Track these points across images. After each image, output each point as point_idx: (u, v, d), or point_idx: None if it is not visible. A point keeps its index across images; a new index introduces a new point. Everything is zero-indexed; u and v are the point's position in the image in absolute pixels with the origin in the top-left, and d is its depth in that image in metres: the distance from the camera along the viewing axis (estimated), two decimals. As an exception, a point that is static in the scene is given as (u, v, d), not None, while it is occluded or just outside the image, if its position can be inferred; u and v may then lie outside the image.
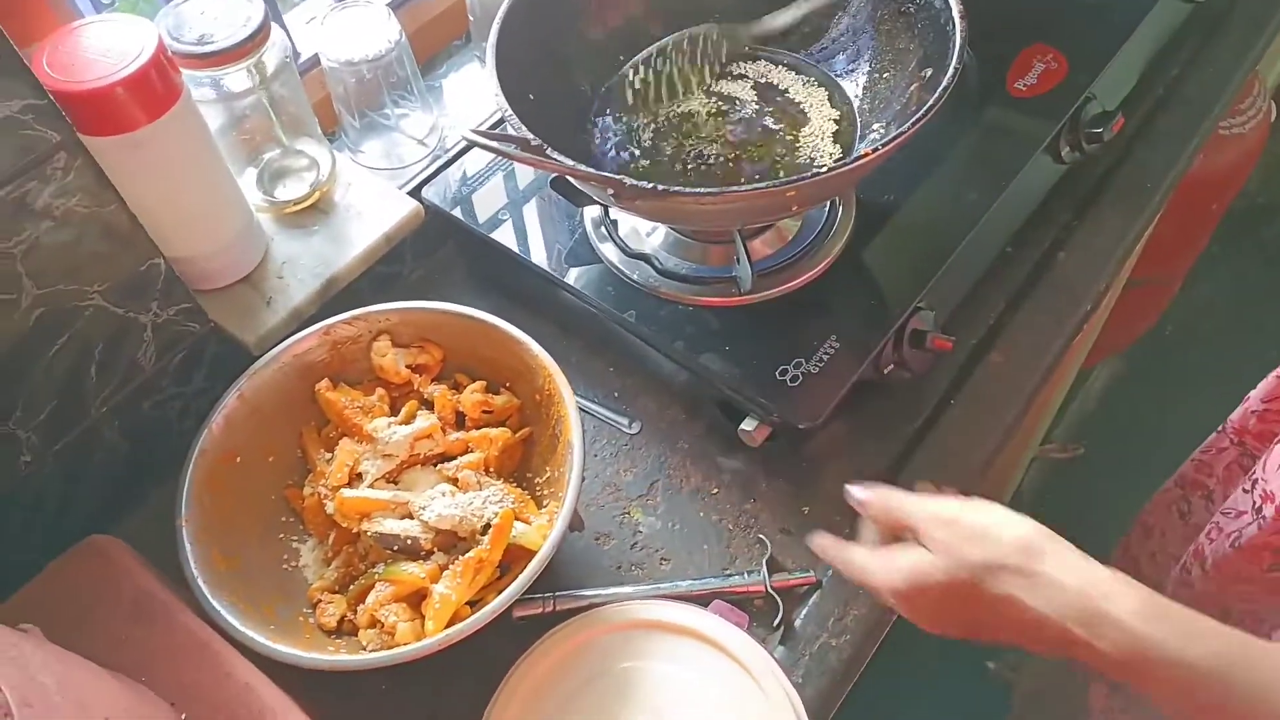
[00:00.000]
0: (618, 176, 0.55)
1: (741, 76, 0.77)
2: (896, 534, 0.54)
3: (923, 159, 0.78)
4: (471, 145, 0.57)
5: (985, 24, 0.85)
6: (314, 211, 0.78)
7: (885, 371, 0.71)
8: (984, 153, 0.80)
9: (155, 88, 0.60)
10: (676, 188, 0.55)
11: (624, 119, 0.76)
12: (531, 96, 0.69)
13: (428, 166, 0.85)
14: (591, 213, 0.76)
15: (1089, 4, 0.87)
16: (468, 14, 0.88)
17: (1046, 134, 0.79)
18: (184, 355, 0.71)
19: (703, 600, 0.66)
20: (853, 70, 0.74)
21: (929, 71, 0.64)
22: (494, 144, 0.54)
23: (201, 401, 0.74)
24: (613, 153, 0.74)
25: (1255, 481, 0.76)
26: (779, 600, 0.66)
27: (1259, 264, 1.84)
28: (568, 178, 0.59)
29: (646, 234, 0.75)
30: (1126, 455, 1.49)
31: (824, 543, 0.57)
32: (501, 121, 0.64)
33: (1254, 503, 0.75)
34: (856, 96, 0.73)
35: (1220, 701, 0.42)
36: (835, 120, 0.73)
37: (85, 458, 0.69)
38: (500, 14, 0.67)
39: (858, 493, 0.56)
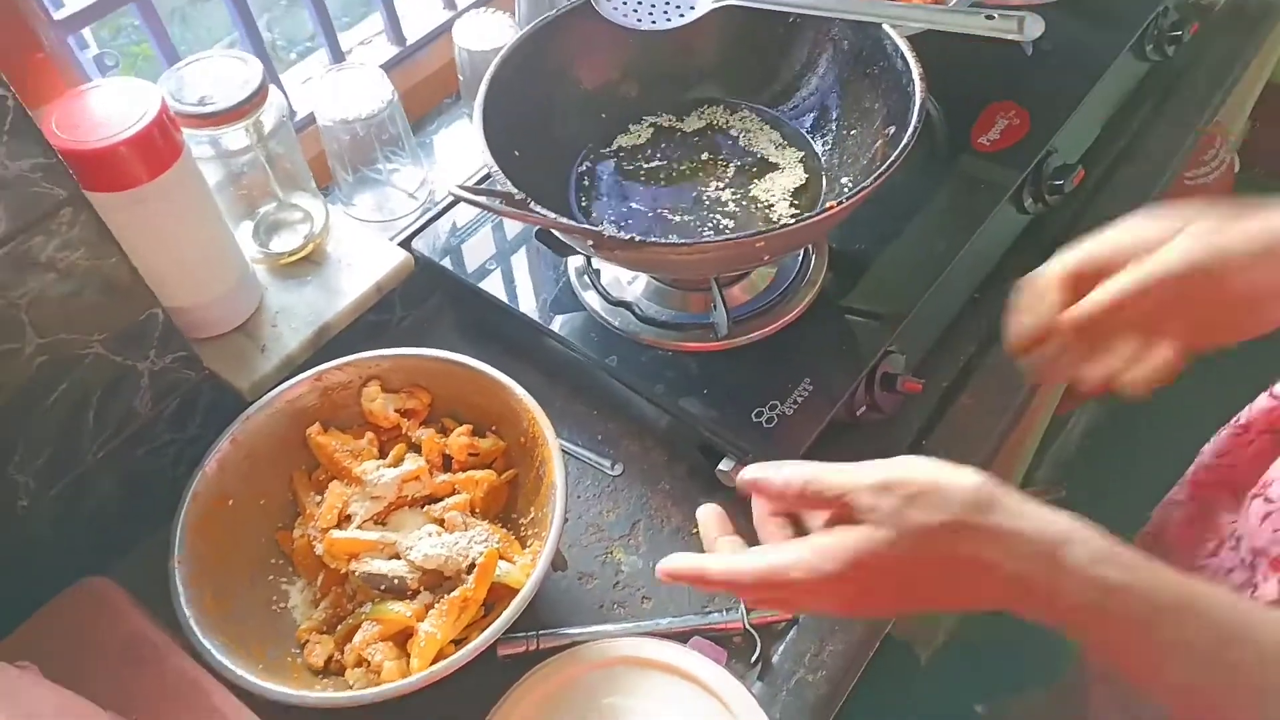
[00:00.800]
0: (597, 228, 0.58)
1: (719, 130, 0.81)
2: (796, 520, 0.48)
3: (893, 210, 0.81)
4: (459, 200, 0.60)
5: (950, 82, 0.89)
6: (307, 263, 0.81)
7: (858, 413, 0.74)
8: (951, 204, 0.83)
9: (157, 146, 0.63)
10: (653, 239, 0.58)
11: (607, 173, 0.79)
12: (517, 153, 0.72)
13: (418, 219, 0.88)
14: (575, 262, 0.79)
15: (1049, 63, 0.91)
16: (458, 74, 0.92)
17: (1010, 186, 0.83)
18: (180, 402, 0.74)
19: (683, 637, 0.67)
20: (822, 126, 0.78)
21: (892, 129, 0.68)
22: (479, 199, 0.57)
23: (196, 448, 0.76)
24: (597, 203, 0.77)
25: (1239, 539, 0.74)
26: (757, 636, 0.67)
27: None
28: (551, 229, 0.62)
29: (628, 282, 0.78)
30: (1103, 500, 1.51)
31: (690, 564, 0.47)
32: (488, 177, 0.67)
33: (1243, 559, 0.74)
34: (825, 151, 0.77)
35: (1183, 638, 0.40)
36: (804, 173, 0.77)
37: (81, 502, 0.71)
38: (487, 76, 0.71)
39: (753, 471, 0.48)
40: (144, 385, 0.70)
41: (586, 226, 0.58)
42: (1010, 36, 0.66)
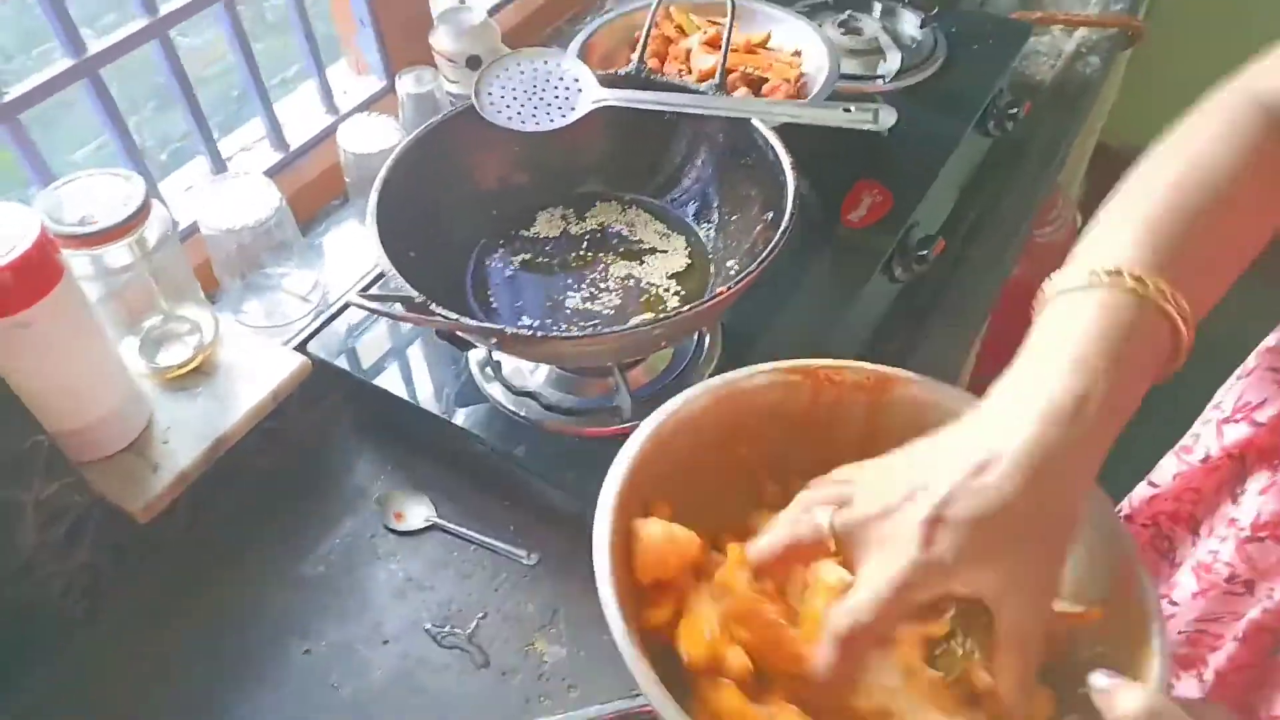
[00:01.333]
0: (498, 327, 0.60)
1: (608, 222, 0.84)
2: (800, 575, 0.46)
3: (777, 284, 0.86)
4: (359, 308, 0.60)
5: (820, 164, 0.96)
6: (198, 374, 0.79)
7: (762, 484, 0.76)
8: (829, 277, 0.89)
9: (37, 271, 0.62)
10: (553, 334, 0.60)
11: (501, 266, 0.81)
12: (412, 253, 0.73)
13: (312, 321, 0.87)
14: (476, 355, 0.80)
15: (907, 144, 0.99)
16: (344, 176, 0.93)
17: (879, 258, 0.89)
18: (67, 529, 0.70)
19: (611, 724, 0.67)
20: (705, 214, 0.82)
21: (770, 215, 0.73)
22: (379, 308, 0.58)
23: (85, 575, 0.73)
24: (494, 297, 0.78)
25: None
26: (684, 715, 0.68)
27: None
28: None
29: (530, 372, 0.79)
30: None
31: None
32: (382, 277, 0.68)
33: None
34: (710, 238, 0.81)
35: None
36: (690, 259, 0.80)
37: (-42, 648, 0.66)
38: (379, 180, 0.72)
39: (765, 544, 0.46)
40: (28, 517, 0.67)
41: (488, 325, 0.60)
42: (867, 127, 0.72)
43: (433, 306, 0.62)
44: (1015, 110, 1.08)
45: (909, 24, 1.09)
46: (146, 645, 0.73)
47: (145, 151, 1.05)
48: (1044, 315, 0.45)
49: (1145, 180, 0.49)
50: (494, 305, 0.78)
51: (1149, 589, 0.45)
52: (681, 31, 1.00)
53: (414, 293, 0.62)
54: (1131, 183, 0.50)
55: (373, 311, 0.58)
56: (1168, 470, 0.74)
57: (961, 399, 0.53)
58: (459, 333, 0.65)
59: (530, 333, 0.60)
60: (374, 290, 0.87)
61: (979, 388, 0.46)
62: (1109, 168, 0.53)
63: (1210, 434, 0.70)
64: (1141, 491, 0.76)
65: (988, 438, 0.41)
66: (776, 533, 0.47)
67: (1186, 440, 0.73)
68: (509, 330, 0.60)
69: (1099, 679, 0.40)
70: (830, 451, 0.51)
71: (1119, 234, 0.46)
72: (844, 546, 0.44)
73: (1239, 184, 0.48)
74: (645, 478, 0.52)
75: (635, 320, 0.61)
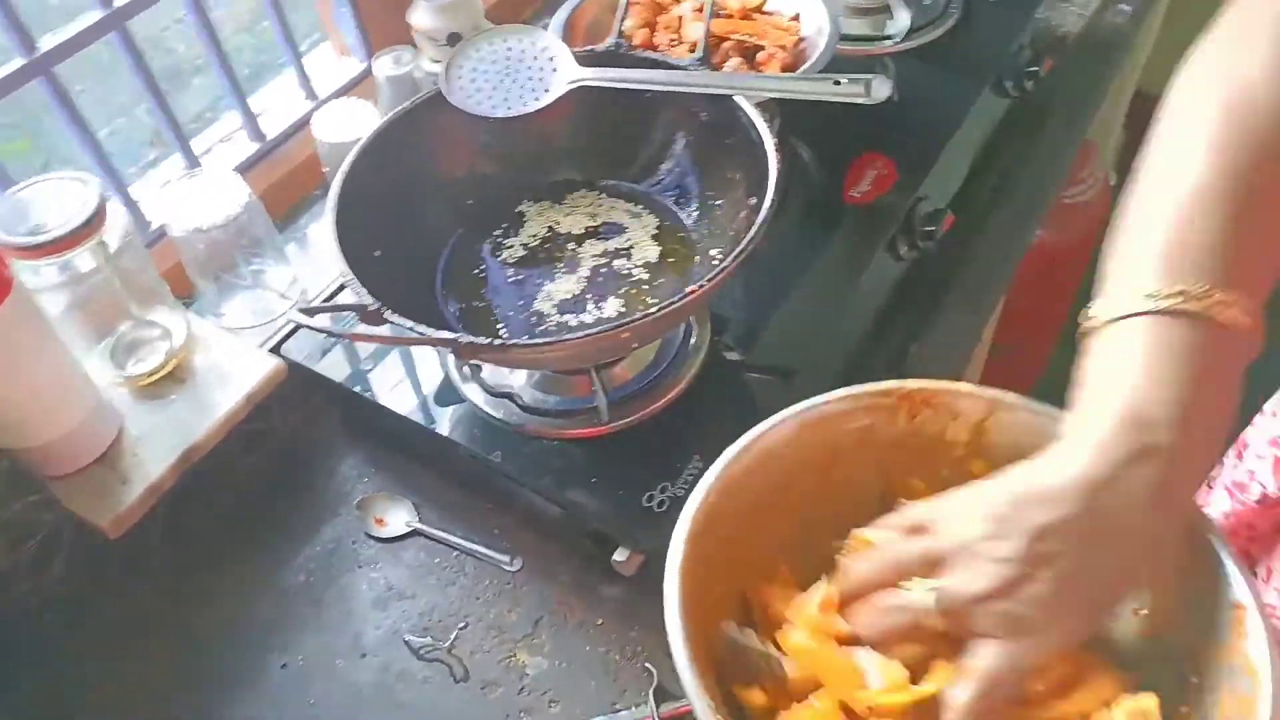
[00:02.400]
0: (453, 335, 0.56)
1: (588, 209, 0.80)
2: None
3: (775, 267, 0.81)
4: (305, 326, 0.57)
5: (819, 137, 0.91)
6: (171, 381, 0.77)
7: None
8: (831, 257, 0.84)
9: (-19, 286, 0.60)
10: (513, 341, 0.56)
11: (478, 263, 0.77)
12: (378, 253, 0.70)
13: (289, 321, 0.85)
14: (452, 355, 0.77)
15: (913, 111, 0.93)
16: (321, 166, 0.90)
17: (883, 237, 0.83)
18: (38, 546, 0.69)
19: (592, 742, 0.65)
20: (687, 199, 0.77)
21: (754, 200, 0.68)
22: (322, 325, 0.55)
23: (61, 591, 0.72)
24: (470, 292, 0.75)
25: None
26: (668, 732, 0.65)
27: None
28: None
29: (509, 372, 0.76)
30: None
31: None
32: (344, 288, 0.64)
33: None
34: (693, 224, 0.77)
35: None
36: (670, 249, 0.76)
37: (-70, 670, 0.65)
38: (338, 179, 0.69)
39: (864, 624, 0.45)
40: (-7, 536, 0.65)
41: (444, 335, 0.56)
42: (859, 100, 0.67)
43: (386, 314, 0.58)
44: (1035, 68, 1.00)
45: (921, -22, 1.02)
46: (125, 661, 0.72)
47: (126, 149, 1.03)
48: (1096, 350, 0.43)
49: (1178, 146, 0.44)
50: (468, 304, 0.74)
51: (1261, 638, 0.41)
52: (673, -2, 0.95)
53: (368, 299, 0.59)
54: (1164, 149, 0.44)
55: (315, 329, 0.55)
56: (1219, 507, 0.69)
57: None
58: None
59: (488, 341, 0.57)
60: (342, 297, 0.83)
61: (992, 371, 0.43)
62: (1150, 116, 0.47)
63: (1267, 471, 0.65)
64: None
65: (1100, 500, 0.40)
66: (874, 615, 0.46)
67: (1241, 477, 0.68)
68: (464, 339, 0.56)
69: None
70: (930, 475, 0.50)
71: (1157, 237, 0.42)
72: (950, 624, 0.43)
73: None
74: (720, 514, 0.49)
75: (601, 325, 0.57)
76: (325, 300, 0.85)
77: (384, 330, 0.56)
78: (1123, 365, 0.41)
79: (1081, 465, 0.41)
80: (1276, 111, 0.42)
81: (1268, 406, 0.70)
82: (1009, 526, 0.41)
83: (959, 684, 0.42)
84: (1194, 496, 0.42)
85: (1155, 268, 0.41)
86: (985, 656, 0.42)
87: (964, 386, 0.51)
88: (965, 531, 0.43)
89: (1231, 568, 0.43)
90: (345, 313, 0.59)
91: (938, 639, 0.44)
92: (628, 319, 0.57)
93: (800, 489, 0.52)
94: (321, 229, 0.94)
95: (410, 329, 0.58)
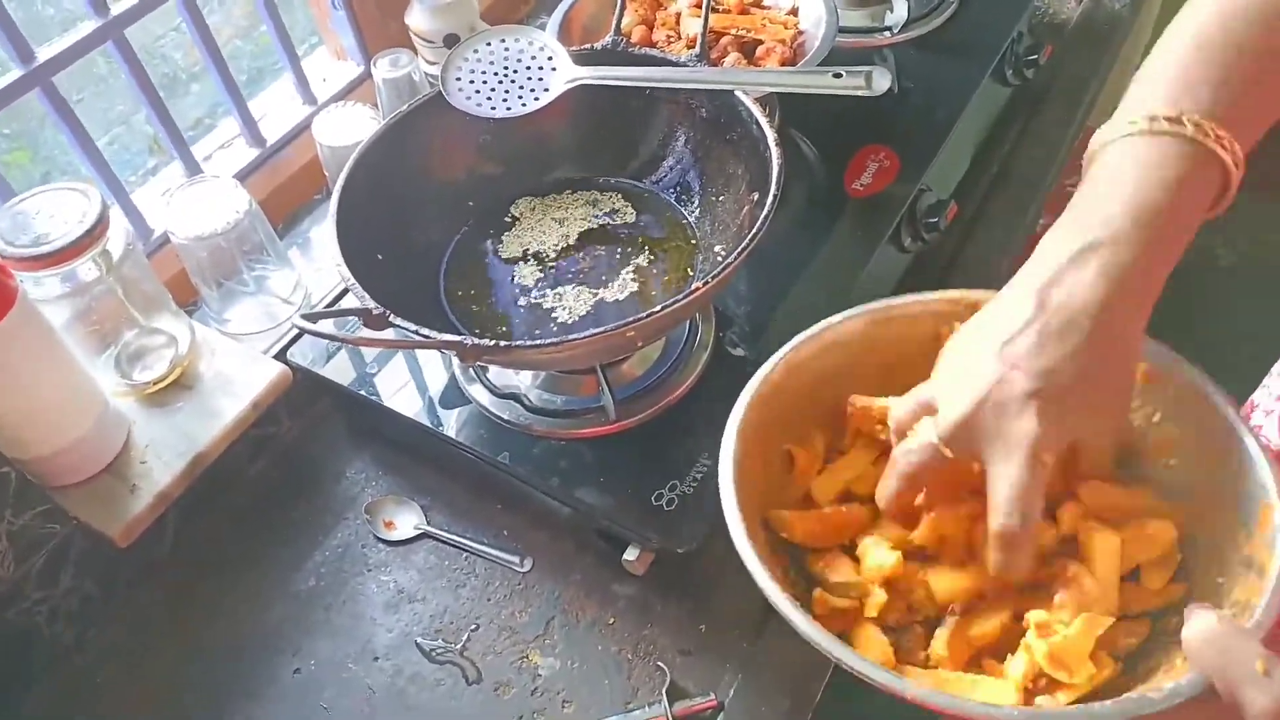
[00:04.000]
0: (458, 338, 0.56)
1: (583, 207, 0.79)
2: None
3: (779, 261, 0.81)
4: (308, 333, 0.57)
5: (820, 130, 0.90)
6: (177, 388, 0.77)
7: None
8: (834, 250, 0.83)
9: (-14, 298, 0.59)
10: (518, 343, 0.56)
11: (481, 264, 0.77)
12: (380, 256, 0.70)
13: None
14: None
15: (914, 101, 0.92)
16: (323, 169, 0.90)
17: (887, 229, 0.83)
18: (47, 558, 0.69)
19: (606, 741, 0.65)
20: (690, 195, 0.77)
21: (756, 195, 0.67)
22: (326, 331, 0.54)
23: (71, 600, 0.72)
24: (474, 292, 0.75)
25: None
26: (682, 730, 0.65)
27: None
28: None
29: (515, 373, 0.76)
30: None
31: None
32: (347, 292, 0.64)
33: None
34: (696, 220, 0.76)
35: None
36: (673, 245, 0.76)
37: (-56, 682, 0.65)
38: (339, 182, 0.68)
39: (890, 486, 0.47)
40: (3, 548, 0.65)
41: (449, 338, 0.56)
42: (859, 93, 0.66)
43: (390, 318, 0.58)
44: (1035, 56, 1.00)
45: (918, -32, 1.02)
46: (137, 670, 0.72)
47: (128, 154, 1.02)
48: (1093, 168, 0.45)
49: (1190, 14, 0.47)
50: (471, 306, 0.74)
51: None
52: (669, -7, 0.94)
53: (371, 304, 0.59)
54: (1179, 19, 0.47)
55: (318, 335, 0.55)
56: None
57: None
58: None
59: (493, 343, 0.57)
60: (345, 301, 0.83)
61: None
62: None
63: (1273, 428, 0.65)
64: None
65: (1051, 297, 0.42)
66: (892, 470, 0.48)
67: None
68: (469, 341, 0.56)
69: (1191, 608, 0.40)
70: None
71: (1164, 76, 0.45)
72: (957, 451, 0.45)
73: None
74: (781, 389, 0.53)
75: (606, 325, 0.57)
76: (329, 305, 0.85)
77: (388, 335, 0.56)
78: (1102, 180, 0.44)
79: (1028, 272, 0.44)
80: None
81: (1276, 368, 0.70)
82: (978, 349, 0.45)
83: (991, 503, 0.44)
84: (1148, 300, 0.43)
85: (1158, 96, 0.44)
86: (999, 470, 0.43)
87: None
88: (947, 371, 0.47)
89: (1265, 469, 0.45)
90: (349, 318, 0.59)
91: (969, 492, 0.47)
92: (633, 318, 0.57)
93: (861, 384, 0.54)
94: (324, 232, 0.94)
95: (415, 332, 0.58)
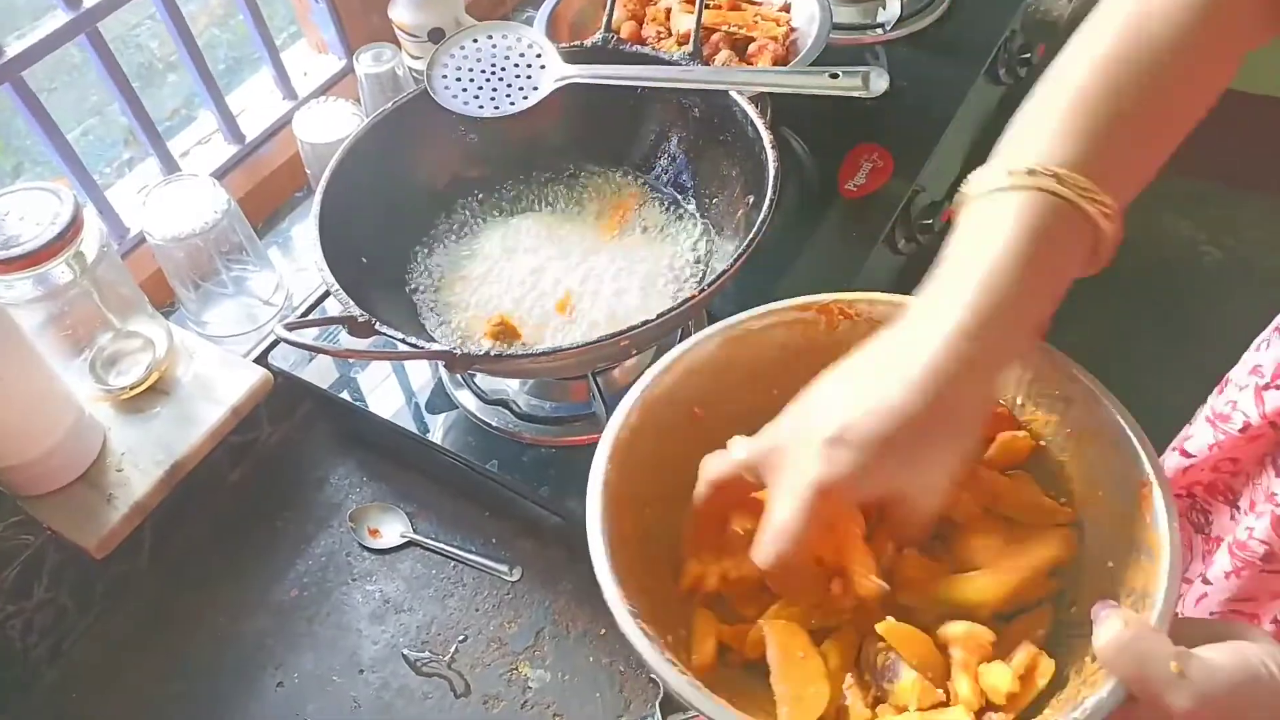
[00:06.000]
0: (446, 348, 0.54)
1: (574, 207, 0.78)
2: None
3: (772, 261, 0.79)
4: (289, 343, 0.55)
5: (814, 129, 0.89)
6: (154, 394, 0.75)
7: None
8: (828, 252, 0.82)
9: (-48, 305, 0.57)
10: (508, 352, 0.54)
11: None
12: (364, 259, 0.68)
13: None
14: (445, 361, 0.75)
15: (907, 100, 0.91)
16: (304, 166, 0.87)
17: (881, 230, 0.82)
18: (20, 570, 0.67)
19: (597, 757, 0.63)
20: (683, 198, 0.75)
21: (752, 197, 0.66)
22: (308, 343, 0.53)
23: (45, 614, 0.69)
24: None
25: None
26: (674, 744, 0.64)
27: (1124, 294, 1.93)
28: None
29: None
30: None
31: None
32: (329, 294, 0.62)
33: None
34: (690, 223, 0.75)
35: None
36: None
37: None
38: (321, 185, 0.66)
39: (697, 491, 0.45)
40: (-28, 561, 0.63)
41: (436, 348, 0.54)
42: (856, 94, 0.65)
43: (376, 325, 0.56)
44: (1028, 54, 0.99)
45: (910, -36, 1.00)
46: (113, 685, 0.70)
47: (101, 148, 1.00)
48: (960, 221, 0.44)
49: (1075, 56, 0.45)
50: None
51: (1163, 511, 0.42)
52: (660, -11, 0.92)
53: (356, 311, 0.57)
54: (1062, 59, 0.46)
55: (301, 346, 0.53)
56: (1202, 440, 0.68)
57: None
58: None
59: (483, 352, 0.55)
60: (328, 304, 0.81)
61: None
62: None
63: (1249, 401, 0.64)
64: (1174, 462, 0.70)
65: (894, 358, 0.42)
66: (702, 478, 0.46)
67: (1222, 408, 0.67)
68: (458, 352, 0.54)
69: (1097, 608, 0.39)
70: None
71: (1040, 124, 0.43)
72: (752, 474, 0.44)
73: (1189, 39, 0.44)
74: (642, 438, 0.48)
75: (597, 334, 0.55)
76: (311, 306, 0.83)
77: (373, 344, 0.54)
78: (966, 236, 0.43)
79: (922, 350, 0.41)
80: (1168, 36, 0.44)
81: (1255, 343, 0.69)
82: (818, 390, 0.44)
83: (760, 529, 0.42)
84: (998, 361, 0.42)
85: (1038, 148, 0.42)
86: (773, 503, 0.42)
87: (878, 295, 0.51)
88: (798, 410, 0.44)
89: (1137, 445, 0.44)
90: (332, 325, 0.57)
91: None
92: (626, 328, 0.56)
93: (731, 407, 0.50)
94: (305, 231, 0.92)
95: (401, 341, 0.56)
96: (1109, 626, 0.37)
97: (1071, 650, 0.42)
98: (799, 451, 0.42)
